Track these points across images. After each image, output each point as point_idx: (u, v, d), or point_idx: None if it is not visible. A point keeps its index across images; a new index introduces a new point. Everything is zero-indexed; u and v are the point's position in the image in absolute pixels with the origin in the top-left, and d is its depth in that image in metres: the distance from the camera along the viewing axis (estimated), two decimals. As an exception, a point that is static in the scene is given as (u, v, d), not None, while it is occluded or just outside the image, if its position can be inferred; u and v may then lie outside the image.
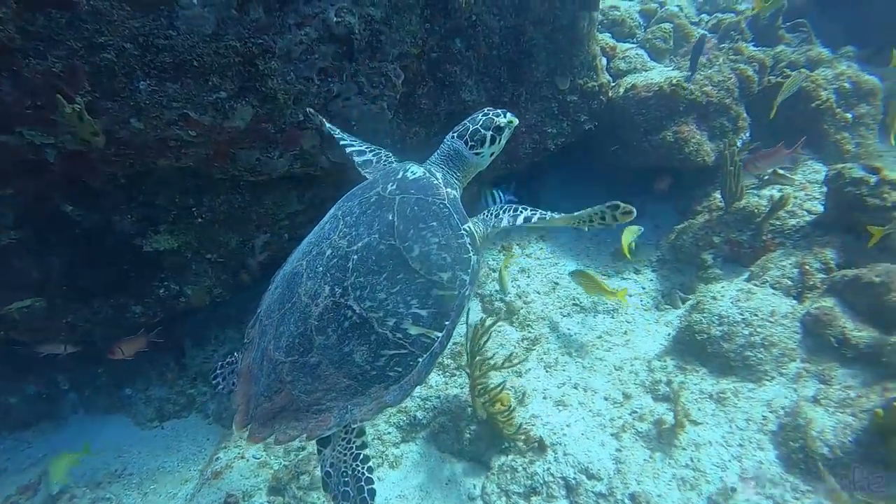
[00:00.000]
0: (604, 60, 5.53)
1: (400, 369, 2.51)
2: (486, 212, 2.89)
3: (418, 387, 2.59)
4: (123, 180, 3.55)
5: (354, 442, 2.66)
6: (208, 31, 2.96)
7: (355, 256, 2.49)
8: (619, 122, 5.52)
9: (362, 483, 2.59)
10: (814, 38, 6.69)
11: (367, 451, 2.67)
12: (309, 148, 3.71)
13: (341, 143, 3.19)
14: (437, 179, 2.76)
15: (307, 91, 3.42)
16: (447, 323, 2.57)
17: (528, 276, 5.45)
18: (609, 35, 6.74)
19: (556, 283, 5.30)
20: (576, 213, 2.58)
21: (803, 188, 5.06)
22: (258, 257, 4.31)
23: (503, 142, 2.98)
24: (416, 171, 2.77)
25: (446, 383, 4.43)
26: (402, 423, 4.25)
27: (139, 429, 4.92)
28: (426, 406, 4.28)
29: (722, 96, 5.34)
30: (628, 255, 4.91)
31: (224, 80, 3.13)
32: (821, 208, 4.69)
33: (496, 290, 5.21)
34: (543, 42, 4.69)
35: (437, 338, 2.56)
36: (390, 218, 2.55)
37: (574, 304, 5.06)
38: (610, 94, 5.43)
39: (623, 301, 4.83)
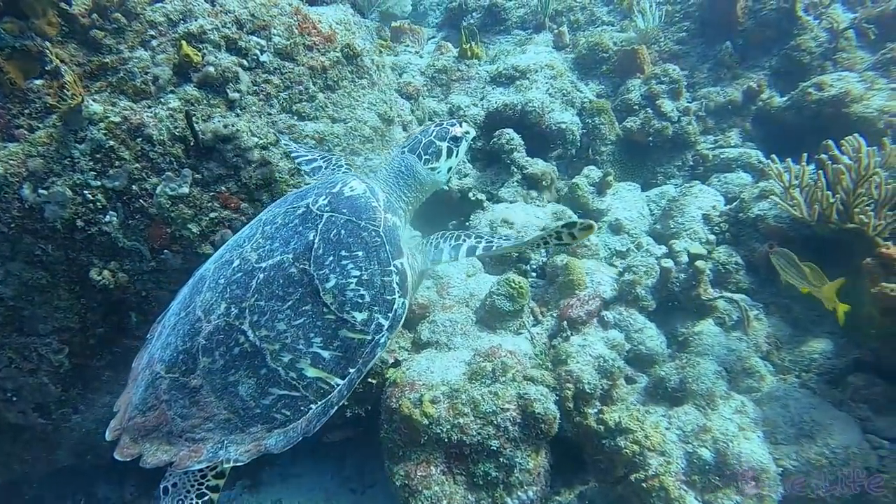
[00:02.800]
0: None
1: (288, 413, 2.18)
2: (425, 241, 2.56)
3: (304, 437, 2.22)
4: None
5: (209, 479, 2.25)
6: None
7: (261, 275, 2.20)
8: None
9: None
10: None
11: (214, 496, 2.25)
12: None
13: (292, 154, 3.03)
14: (377, 201, 2.43)
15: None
16: (351, 371, 2.24)
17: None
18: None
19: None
20: (528, 239, 2.30)
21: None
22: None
23: (461, 154, 2.73)
24: (355, 187, 2.44)
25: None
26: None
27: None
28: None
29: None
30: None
31: None
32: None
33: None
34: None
35: (337, 386, 2.21)
36: (311, 238, 2.25)
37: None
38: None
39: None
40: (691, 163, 5.09)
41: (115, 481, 4.24)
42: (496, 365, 3.31)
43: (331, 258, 2.22)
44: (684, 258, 3.98)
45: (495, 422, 2.97)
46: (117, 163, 2.95)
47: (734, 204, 4.34)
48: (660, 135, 5.00)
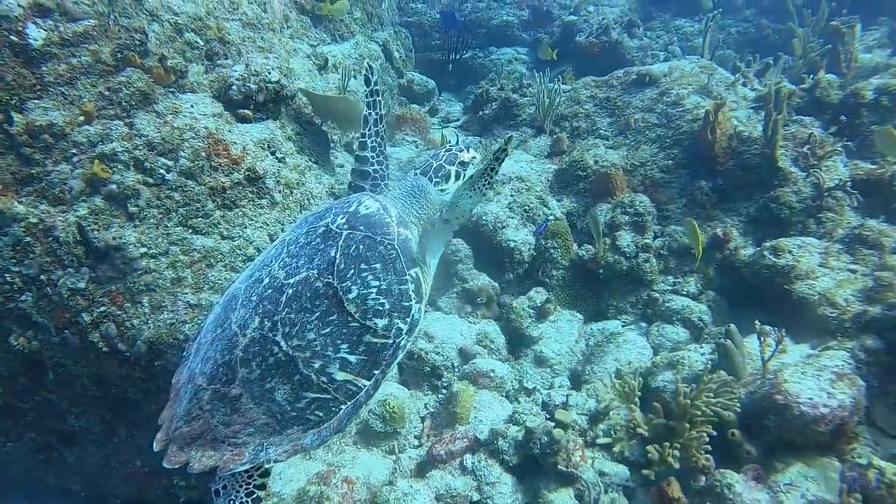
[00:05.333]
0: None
1: (321, 414, 2.40)
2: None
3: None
4: None
5: (255, 479, 2.51)
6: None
7: (290, 290, 2.41)
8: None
9: None
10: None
11: (261, 493, 2.52)
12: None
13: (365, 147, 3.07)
14: (390, 217, 2.64)
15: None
16: (376, 372, 2.47)
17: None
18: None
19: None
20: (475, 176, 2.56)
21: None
22: None
23: (468, 177, 2.91)
24: (370, 205, 2.66)
25: None
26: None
27: None
28: None
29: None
30: None
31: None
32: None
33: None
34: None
35: (364, 386, 2.45)
36: (333, 254, 2.47)
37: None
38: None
39: None
40: (643, 303, 4.80)
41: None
42: (319, 495, 3.42)
43: (352, 271, 2.46)
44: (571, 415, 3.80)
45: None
46: (31, 255, 3.51)
47: (645, 366, 4.06)
48: (612, 269, 4.78)
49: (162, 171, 3.70)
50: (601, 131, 5.87)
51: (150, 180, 3.69)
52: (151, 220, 3.67)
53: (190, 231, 3.76)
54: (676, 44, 10.49)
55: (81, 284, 3.53)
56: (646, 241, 4.81)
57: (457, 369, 4.57)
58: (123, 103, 3.72)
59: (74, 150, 3.59)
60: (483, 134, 6.78)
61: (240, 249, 3.82)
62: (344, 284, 2.42)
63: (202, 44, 4.58)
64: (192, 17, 4.56)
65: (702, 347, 4.02)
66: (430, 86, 8.72)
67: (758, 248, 4.48)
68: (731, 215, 4.85)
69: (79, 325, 3.59)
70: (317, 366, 2.36)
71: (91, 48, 3.75)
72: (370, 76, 3.10)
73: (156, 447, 2.48)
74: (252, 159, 3.95)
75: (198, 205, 3.77)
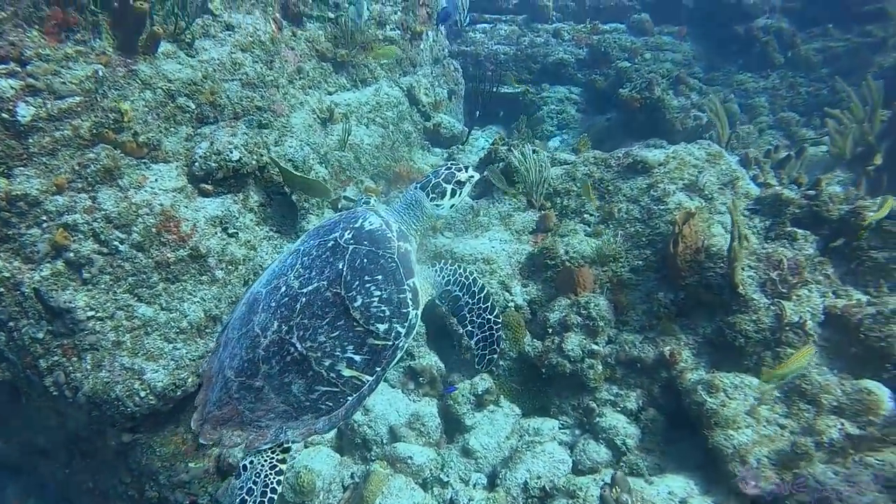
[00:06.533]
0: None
1: (331, 404, 2.83)
2: (437, 268, 3.42)
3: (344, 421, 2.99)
4: None
5: (277, 454, 2.92)
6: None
7: (304, 299, 2.81)
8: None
9: (267, 490, 2.83)
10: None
11: (283, 466, 2.93)
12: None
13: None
14: (391, 232, 3.04)
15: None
16: (378, 370, 2.88)
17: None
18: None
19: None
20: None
21: None
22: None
23: (464, 194, 3.39)
24: (373, 221, 3.06)
25: None
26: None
27: None
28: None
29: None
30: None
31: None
32: None
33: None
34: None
35: (367, 381, 2.87)
36: (340, 267, 2.85)
37: None
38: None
39: None
40: (582, 409, 4.69)
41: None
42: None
43: (357, 282, 2.85)
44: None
45: None
46: (3, 303, 4.00)
47: (550, 484, 4.00)
48: (554, 370, 4.71)
49: (116, 242, 4.09)
50: (586, 215, 5.72)
51: (105, 250, 4.08)
52: (102, 286, 4.07)
53: (135, 299, 4.12)
54: (734, 101, 9.89)
55: (40, 335, 3.99)
56: (594, 346, 4.69)
57: (385, 446, 4.69)
58: (90, 178, 4.13)
59: (45, 217, 4.03)
60: (485, 195, 6.78)
61: (174, 322, 4.15)
62: (350, 294, 2.80)
63: (194, 107, 4.94)
64: (186, 82, 4.92)
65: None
66: (456, 129, 8.79)
67: (702, 376, 4.26)
68: (687, 332, 4.61)
69: (37, 369, 4.05)
70: (327, 364, 2.77)
71: (73, 123, 4.19)
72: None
73: (192, 427, 2.95)
74: (199, 237, 4.27)
75: (144, 276, 4.14)
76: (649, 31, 11.68)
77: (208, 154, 4.47)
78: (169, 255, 4.17)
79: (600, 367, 4.67)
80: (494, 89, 11.77)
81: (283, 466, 2.94)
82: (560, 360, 4.70)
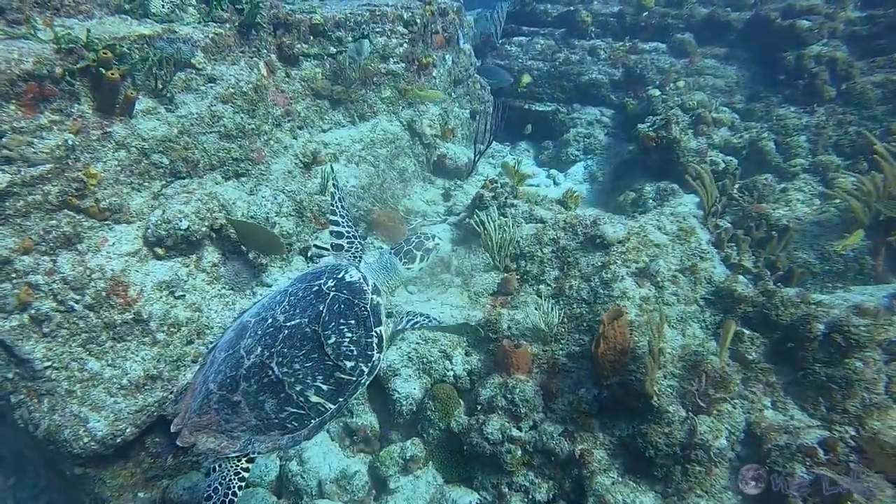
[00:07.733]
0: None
1: (296, 424, 3.21)
2: (397, 316, 3.77)
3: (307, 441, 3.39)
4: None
5: (242, 463, 3.24)
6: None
7: (286, 331, 3.22)
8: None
9: (229, 493, 3.16)
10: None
11: (246, 475, 3.24)
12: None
13: (330, 217, 3.99)
14: (367, 286, 3.49)
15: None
16: (341, 400, 3.30)
17: None
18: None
19: None
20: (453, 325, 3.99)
21: None
22: None
23: (430, 259, 3.87)
24: (353, 275, 3.51)
25: None
26: None
27: None
28: None
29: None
30: None
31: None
32: None
33: None
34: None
35: (330, 409, 3.27)
36: (321, 309, 3.28)
37: None
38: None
39: None
40: (498, 492, 4.80)
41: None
42: None
43: (333, 324, 3.29)
44: None
45: None
46: (-20, 350, 4.59)
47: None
48: (474, 449, 4.84)
49: (72, 302, 4.54)
50: (543, 285, 5.69)
51: (62, 308, 4.55)
52: (60, 339, 4.56)
53: (87, 353, 4.60)
54: (769, 138, 9.23)
55: (10, 375, 4.55)
56: (514, 432, 4.76)
57: (314, 499, 5.01)
58: (52, 243, 4.59)
59: (14, 275, 4.53)
60: (463, 243, 6.85)
61: (116, 378, 4.60)
62: (325, 332, 3.23)
63: (167, 163, 5.31)
64: (160, 139, 5.28)
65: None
66: (461, 161, 8.79)
67: (617, 479, 4.26)
68: (605, 432, 4.59)
69: (9, 402, 4.62)
70: (298, 389, 3.16)
71: (44, 188, 4.64)
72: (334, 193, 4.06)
73: (173, 429, 3.30)
74: (143, 302, 4.67)
75: (95, 334, 4.59)
76: (692, 52, 11.02)
77: (159, 223, 4.85)
78: (116, 317, 4.61)
79: (519, 453, 4.74)
80: (526, 106, 11.61)
81: (247, 475, 3.26)
82: (480, 440, 4.81)
